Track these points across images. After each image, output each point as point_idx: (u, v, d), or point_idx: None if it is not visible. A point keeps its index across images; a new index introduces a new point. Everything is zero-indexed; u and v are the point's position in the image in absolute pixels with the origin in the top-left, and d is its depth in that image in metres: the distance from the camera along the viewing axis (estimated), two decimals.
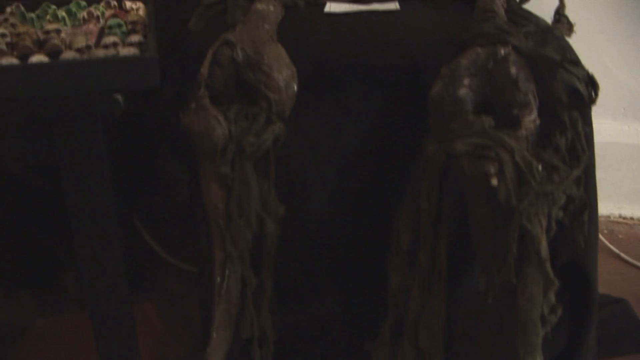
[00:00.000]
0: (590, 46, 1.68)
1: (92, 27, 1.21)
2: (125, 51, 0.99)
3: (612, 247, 1.63)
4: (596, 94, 0.89)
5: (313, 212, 1.14)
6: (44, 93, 0.88)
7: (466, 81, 0.86)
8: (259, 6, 1.07)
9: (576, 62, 0.96)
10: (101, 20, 1.22)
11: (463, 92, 0.86)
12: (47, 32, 1.03)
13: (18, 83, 0.87)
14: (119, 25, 1.11)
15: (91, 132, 0.92)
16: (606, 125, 1.75)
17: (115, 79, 0.88)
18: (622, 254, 1.61)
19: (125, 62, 0.89)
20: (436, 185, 0.90)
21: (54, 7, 1.27)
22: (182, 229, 1.48)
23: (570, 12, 1.65)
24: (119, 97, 0.89)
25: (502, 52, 0.86)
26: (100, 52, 0.98)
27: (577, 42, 1.66)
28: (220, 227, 0.95)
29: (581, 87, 0.92)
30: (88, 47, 1.02)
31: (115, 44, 1.06)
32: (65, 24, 1.21)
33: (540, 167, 0.83)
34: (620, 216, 1.77)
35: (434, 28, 1.05)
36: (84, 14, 1.21)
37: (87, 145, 0.94)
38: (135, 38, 1.07)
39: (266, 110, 0.92)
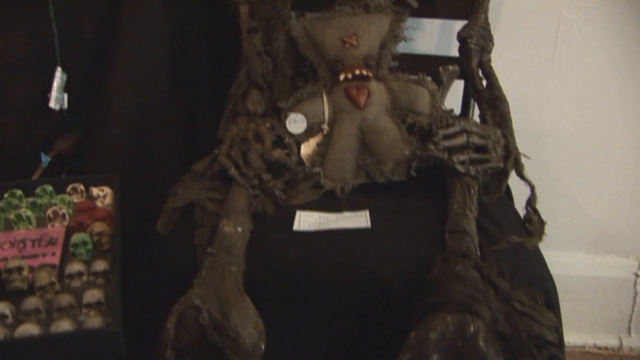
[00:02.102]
0: (562, 185, 1.70)
1: (58, 226, 1.19)
2: (89, 295, 0.97)
3: None
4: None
5: None
6: None
7: (435, 357, 0.85)
8: (227, 229, 1.05)
9: (550, 305, 0.96)
10: (67, 218, 1.20)
11: None
12: (9, 272, 1.00)
13: None
14: (84, 243, 1.09)
15: None
16: (579, 259, 1.77)
17: (79, 352, 0.86)
18: None
19: (88, 336, 0.87)
20: None
21: (19, 193, 1.26)
22: None
23: (543, 156, 1.67)
24: None
25: (472, 328, 0.85)
26: (64, 299, 0.96)
27: (552, 181, 1.69)
28: None
29: (551, 336, 0.92)
30: (51, 283, 1.01)
31: (80, 274, 1.04)
32: (30, 223, 1.19)
33: None
34: (595, 346, 1.79)
35: (404, 251, 1.05)
36: (50, 212, 1.19)
37: None
38: (100, 266, 1.06)
39: None
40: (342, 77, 1.23)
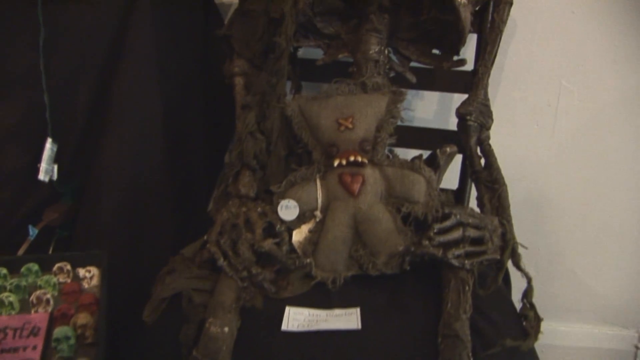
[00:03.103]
0: (561, 255, 1.68)
1: (41, 312, 1.17)
2: None
3: None
4: None
5: None
6: None
7: None
8: (213, 329, 1.02)
9: None
10: (51, 303, 1.17)
11: None
12: None
13: None
14: (67, 338, 1.06)
15: None
16: (577, 330, 1.74)
17: None
18: None
19: None
20: None
21: (4, 272, 1.24)
22: None
23: (542, 226, 1.64)
24: None
25: None
26: None
27: (551, 252, 1.66)
28: None
29: None
30: None
31: None
32: (13, 309, 1.16)
33: None
34: None
35: (395, 357, 1.02)
36: (34, 298, 1.16)
37: None
38: None
39: None
40: (336, 163, 1.20)
